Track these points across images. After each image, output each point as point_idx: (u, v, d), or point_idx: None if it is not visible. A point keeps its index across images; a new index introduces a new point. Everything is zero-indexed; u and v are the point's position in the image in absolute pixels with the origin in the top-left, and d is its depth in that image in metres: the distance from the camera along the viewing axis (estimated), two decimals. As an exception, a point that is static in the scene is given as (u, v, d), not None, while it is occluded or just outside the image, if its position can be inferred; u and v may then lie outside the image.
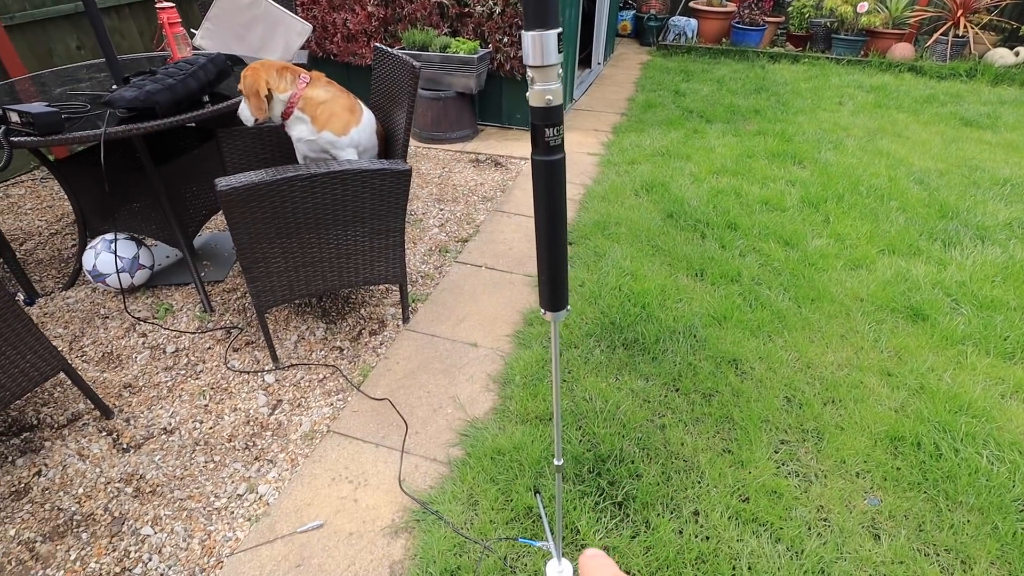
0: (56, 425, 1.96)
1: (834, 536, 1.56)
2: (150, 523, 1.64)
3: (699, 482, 1.71)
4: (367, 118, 2.19)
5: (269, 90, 2.02)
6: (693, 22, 6.91)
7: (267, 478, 1.77)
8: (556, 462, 1.00)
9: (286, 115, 2.11)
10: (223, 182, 1.70)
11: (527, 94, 0.72)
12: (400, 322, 2.42)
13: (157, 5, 2.35)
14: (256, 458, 1.84)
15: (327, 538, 1.59)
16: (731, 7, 6.91)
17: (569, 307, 0.94)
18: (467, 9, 4.01)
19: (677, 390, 2.04)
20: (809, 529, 1.59)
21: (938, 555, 1.53)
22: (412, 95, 2.02)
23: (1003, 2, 6.09)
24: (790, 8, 6.79)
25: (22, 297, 2.57)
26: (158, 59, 2.77)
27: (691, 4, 7.11)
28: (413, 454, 1.83)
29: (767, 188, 3.44)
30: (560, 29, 0.66)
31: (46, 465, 1.82)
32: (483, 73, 3.99)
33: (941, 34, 6.24)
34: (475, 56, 3.81)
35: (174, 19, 2.37)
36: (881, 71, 6.11)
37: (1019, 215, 3.20)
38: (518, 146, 4.14)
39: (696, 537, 1.56)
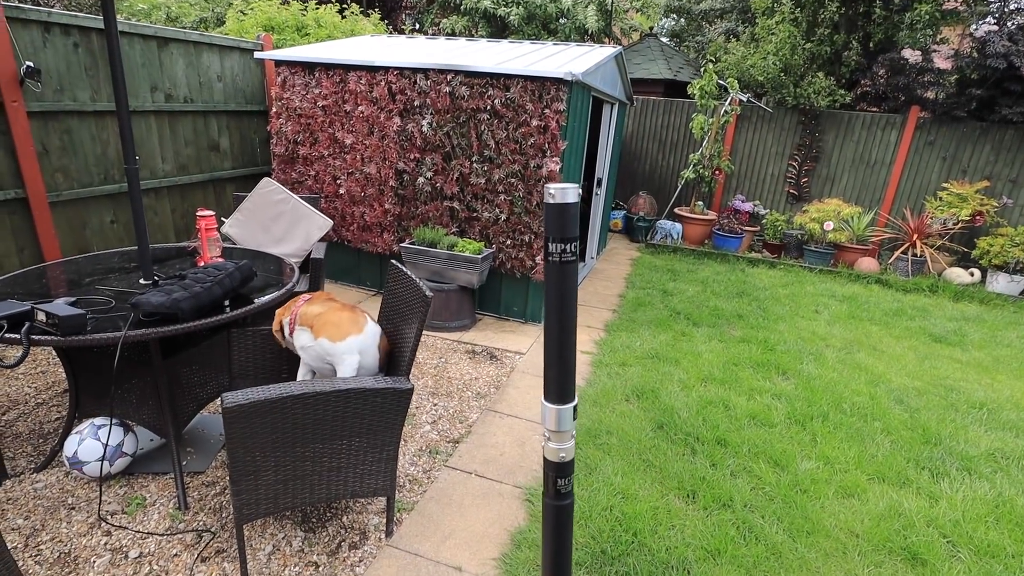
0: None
1: None
2: None
3: None
4: (370, 330, 2.33)
5: (281, 324, 2.37)
6: (678, 225, 7.66)
7: None
8: None
9: (291, 331, 2.33)
10: (229, 397, 1.75)
11: (543, 447, 0.80)
12: (383, 535, 2.30)
13: (199, 213, 2.61)
14: None
15: None
16: (712, 215, 7.71)
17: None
18: (475, 214, 4.46)
19: (672, 643, 1.89)
20: None
21: None
22: (422, 319, 2.17)
23: (952, 230, 6.85)
24: (764, 221, 7.59)
25: (-11, 477, 2.46)
26: (187, 252, 2.99)
27: (676, 210, 7.94)
28: None
29: (754, 401, 3.53)
30: (576, 402, 0.75)
31: None
32: (485, 271, 4.31)
33: (901, 252, 6.91)
34: (479, 256, 4.15)
35: (211, 226, 2.63)
36: (851, 281, 6.63)
37: (1000, 444, 3.26)
38: (513, 339, 4.31)
39: None
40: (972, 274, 6.67)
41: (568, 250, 0.73)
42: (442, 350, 4.05)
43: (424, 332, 4.31)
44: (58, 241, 3.86)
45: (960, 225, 6.81)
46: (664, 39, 13.73)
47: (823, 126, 7.60)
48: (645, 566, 2.18)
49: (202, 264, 2.57)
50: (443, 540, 2.30)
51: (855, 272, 6.79)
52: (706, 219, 7.61)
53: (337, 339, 2.28)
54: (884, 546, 2.40)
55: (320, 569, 2.13)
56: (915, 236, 6.90)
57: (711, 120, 7.43)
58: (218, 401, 2.94)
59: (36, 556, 2.10)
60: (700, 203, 7.80)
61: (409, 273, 2.41)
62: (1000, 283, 6.46)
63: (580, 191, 0.72)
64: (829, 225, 6.95)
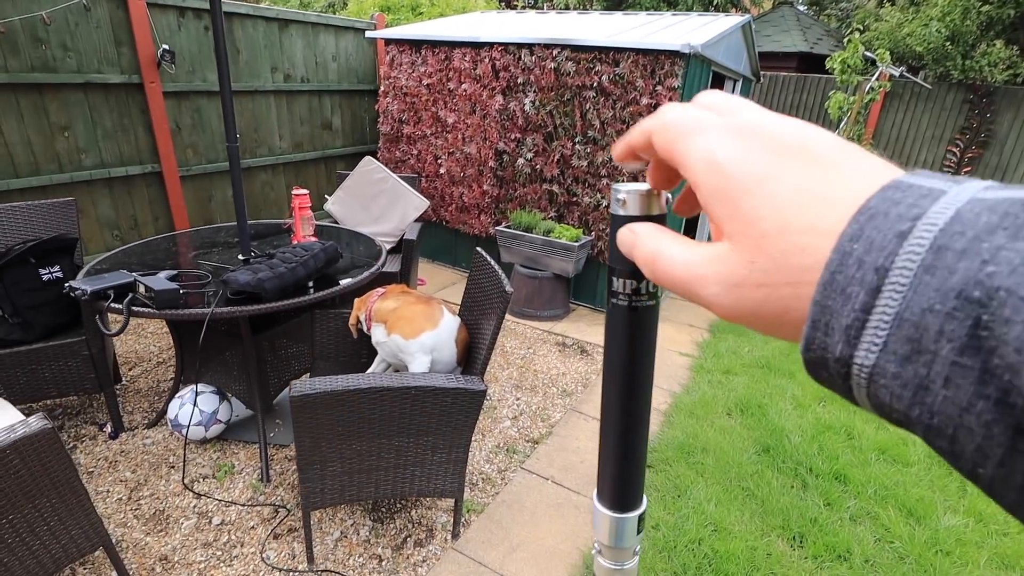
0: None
1: None
2: None
3: None
4: (446, 324, 2.21)
5: (358, 319, 2.34)
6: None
7: None
8: None
9: (368, 327, 2.31)
10: (296, 387, 1.70)
11: (593, 559, 0.59)
12: (449, 536, 2.21)
13: (294, 192, 2.63)
14: None
15: None
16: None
17: None
18: (575, 198, 4.22)
19: None
20: None
21: None
22: (501, 315, 2.01)
23: None
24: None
25: (109, 429, 2.70)
26: (283, 229, 3.05)
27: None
28: None
29: (885, 430, 3.01)
30: (644, 508, 0.54)
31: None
32: (582, 259, 4.07)
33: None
34: (576, 244, 3.92)
35: (304, 204, 2.64)
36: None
37: None
38: (607, 332, 4.05)
39: None
40: None
41: (643, 291, 0.42)
42: (531, 340, 3.90)
43: (514, 319, 4.18)
44: (187, 212, 4.18)
45: None
46: (801, 7, 12.34)
47: (997, 105, 6.38)
48: (736, 616, 1.89)
49: (294, 243, 2.60)
50: (510, 551, 2.16)
51: None
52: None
53: (410, 336, 2.20)
54: (1056, 640, 1.90)
55: (383, 563, 2.08)
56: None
57: (853, 98, 6.50)
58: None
59: (135, 511, 2.25)
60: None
61: (492, 262, 2.25)
62: None
63: (670, 197, 0.42)
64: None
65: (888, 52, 6.43)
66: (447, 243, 5.12)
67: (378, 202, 3.82)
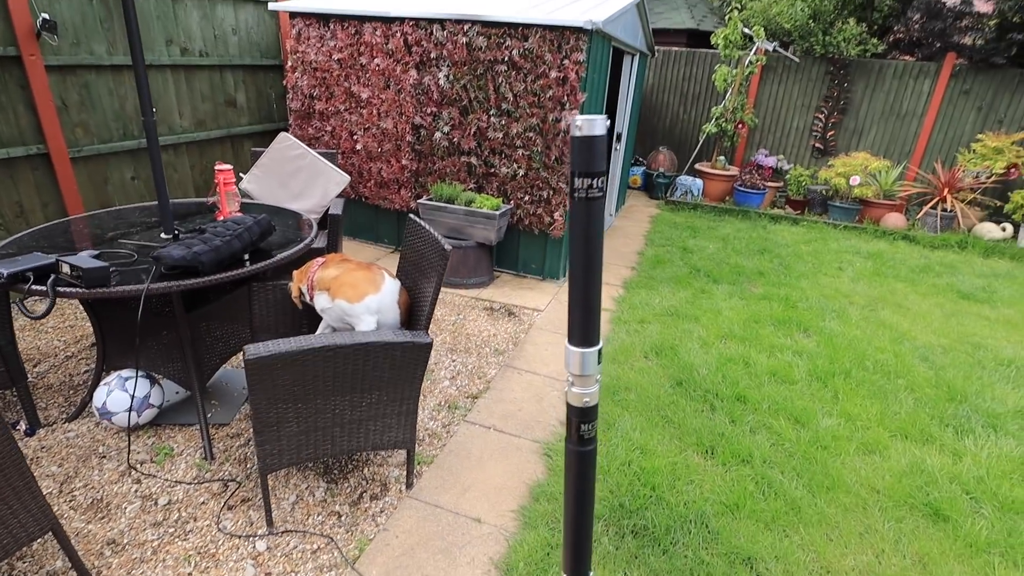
0: (28, 586, 1.85)
1: None
2: None
3: None
4: (388, 287, 2.31)
5: (300, 290, 2.39)
6: (699, 181, 7.47)
7: (244, 674, 1.62)
8: None
9: (311, 297, 2.36)
10: (251, 350, 1.75)
11: (566, 391, 0.77)
12: (403, 487, 2.35)
13: (217, 167, 2.58)
14: (235, 646, 1.70)
15: None
16: (734, 171, 7.50)
17: (592, 573, 0.92)
18: (493, 170, 4.37)
19: (690, 591, 1.92)
20: None
21: None
22: (441, 273, 2.14)
23: (984, 184, 6.59)
24: (787, 176, 7.37)
25: (23, 427, 2.54)
26: (207, 207, 2.97)
27: (697, 166, 7.73)
28: (405, 656, 1.69)
29: (775, 358, 3.49)
30: (601, 345, 0.73)
31: (8, 636, 1.68)
32: (503, 227, 4.26)
33: (930, 207, 6.69)
34: (497, 212, 4.09)
35: (229, 179, 2.60)
36: (876, 238, 6.46)
37: (1029, 403, 3.20)
38: (531, 295, 4.29)
39: None
40: (1004, 229, 6.46)
41: (595, 185, 0.68)
42: (460, 307, 4.05)
43: (442, 289, 4.30)
44: (81, 197, 3.87)
45: (993, 179, 6.54)
46: (687, -14, 13.07)
47: (852, 76, 7.26)
48: (663, 520, 2.20)
49: (221, 219, 2.56)
50: (462, 492, 2.34)
51: (881, 228, 6.61)
52: (728, 175, 7.41)
53: (355, 300, 2.28)
54: (905, 502, 2.39)
55: (342, 518, 2.18)
56: (945, 190, 6.66)
57: (735, 71, 7.13)
58: (241, 356, 2.99)
59: (70, 502, 2.18)
60: (722, 158, 7.58)
61: (427, 227, 2.37)
62: (1034, 240, 6.24)
63: (608, 123, 0.66)
64: (855, 180, 6.72)
65: (763, 28, 7.09)
66: (368, 220, 5.11)
67: (297, 179, 3.76)
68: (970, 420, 2.99)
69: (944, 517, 2.31)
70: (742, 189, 7.22)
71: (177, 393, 2.81)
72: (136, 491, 2.25)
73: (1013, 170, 6.43)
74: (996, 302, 4.75)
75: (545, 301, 4.21)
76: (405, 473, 2.39)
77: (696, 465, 2.53)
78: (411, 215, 2.55)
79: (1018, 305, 4.70)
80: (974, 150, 6.73)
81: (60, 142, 3.64)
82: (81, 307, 3.70)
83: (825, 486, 2.44)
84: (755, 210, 7.09)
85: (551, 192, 4.22)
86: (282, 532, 2.10)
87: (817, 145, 7.62)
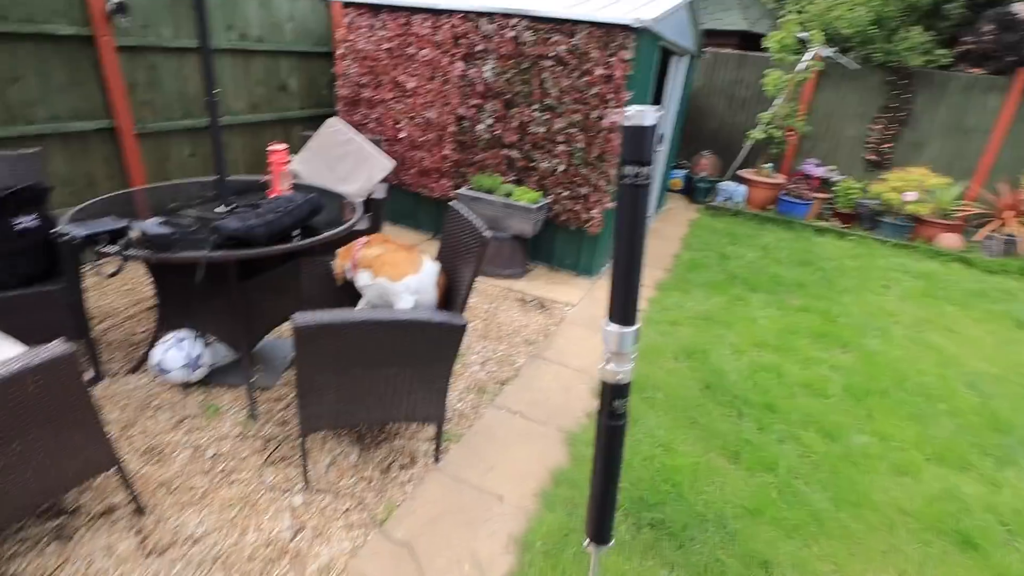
0: (92, 515, 2.02)
1: None
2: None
3: None
4: (428, 269, 2.40)
5: (343, 268, 2.52)
6: (742, 188, 7.34)
7: (275, 617, 1.74)
8: None
9: (354, 271, 2.47)
10: (300, 318, 1.86)
11: (599, 369, 0.82)
12: (431, 460, 2.44)
13: (270, 147, 2.71)
14: (268, 589, 1.82)
15: None
16: (780, 179, 7.33)
17: (612, 541, 0.97)
18: (533, 163, 4.43)
19: (703, 587, 1.95)
20: None
21: None
22: (479, 259, 2.22)
23: (1051, 209, 6.26)
24: (836, 188, 7.16)
25: (91, 375, 2.74)
26: (259, 184, 3.12)
27: (741, 172, 7.59)
28: (423, 617, 1.78)
29: (809, 370, 3.44)
30: (639, 325, 0.77)
31: (72, 558, 1.85)
32: (540, 220, 4.31)
33: (990, 230, 6.39)
34: (535, 206, 4.14)
35: (283, 160, 2.73)
36: (928, 257, 6.22)
37: (1078, 437, 3.06)
38: (564, 290, 4.33)
39: None
40: (1069, 258, 6.12)
41: (642, 174, 0.73)
42: (493, 296, 4.13)
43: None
44: (144, 170, 4.11)
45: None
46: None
47: (914, 87, 6.98)
48: (682, 516, 2.22)
49: (273, 196, 2.69)
50: (487, 471, 2.41)
51: (934, 248, 6.36)
52: (773, 183, 7.26)
53: (396, 279, 2.37)
54: (935, 526, 2.34)
55: (372, 483, 2.28)
56: (1008, 212, 6.36)
57: (787, 76, 6.96)
58: (286, 325, 3.13)
59: (129, 444, 2.36)
60: (768, 165, 7.42)
61: (466, 214, 2.44)
62: (1100, 269, 5.90)
63: (659, 114, 0.71)
64: (911, 195, 6.48)
65: (821, 33, 6.90)
66: (409, 207, 5.24)
67: (344, 163, 3.90)
68: (1014, 452, 2.88)
69: (974, 545, 2.26)
70: (787, 198, 7.06)
71: (225, 355, 2.97)
72: (187, 441, 2.42)
73: (1082, 194, 6.09)
74: (1053, 331, 4.53)
75: (578, 296, 4.24)
76: (433, 448, 2.48)
77: (719, 468, 2.54)
78: (451, 203, 2.63)
79: (1076, 335, 4.47)
80: (1042, 171, 6.40)
81: (127, 119, 3.87)
82: (141, 272, 3.93)
83: (851, 502, 2.42)
84: (799, 220, 6.92)
85: (590, 189, 4.25)
86: (316, 491, 2.22)
87: (871, 157, 7.36)
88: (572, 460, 2.51)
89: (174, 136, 4.29)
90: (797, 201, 7.00)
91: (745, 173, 7.52)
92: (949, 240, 6.42)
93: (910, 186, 6.54)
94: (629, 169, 0.72)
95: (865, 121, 7.35)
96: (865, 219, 6.94)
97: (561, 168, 4.32)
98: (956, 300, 5.00)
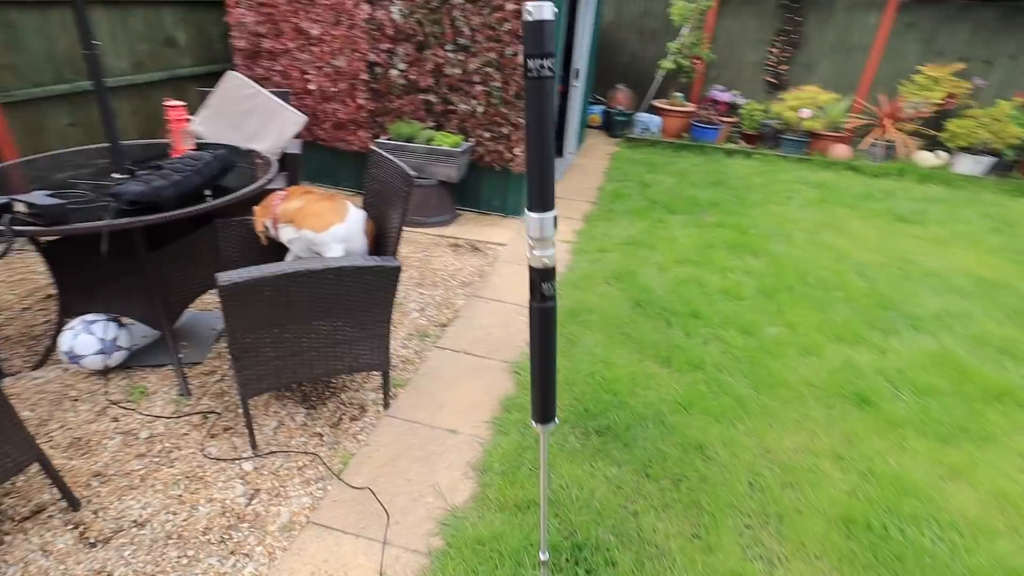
0: (18, 518, 1.90)
1: (799, 626, 1.64)
2: (120, 622, 1.60)
3: (671, 568, 1.78)
4: (354, 217, 2.36)
5: (264, 225, 2.41)
6: (657, 119, 7.54)
7: (243, 573, 1.76)
8: (542, 556, 1.10)
9: (275, 228, 2.38)
10: (223, 277, 1.80)
11: (528, 255, 0.87)
12: (381, 408, 2.47)
13: (166, 103, 2.51)
14: (232, 552, 1.82)
15: (305, 636, 1.58)
16: (691, 107, 7.59)
17: (557, 420, 1.06)
18: (451, 107, 4.34)
19: (648, 476, 2.14)
20: (775, 619, 1.66)
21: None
22: (406, 200, 2.20)
23: (924, 114, 6.89)
24: (742, 111, 7.51)
25: (-11, 375, 2.53)
26: (155, 147, 2.90)
27: (655, 103, 7.78)
28: (394, 545, 1.86)
29: (726, 278, 3.71)
30: (557, 212, 0.82)
31: (6, 562, 1.75)
32: (464, 165, 4.27)
33: (873, 138, 6.97)
34: (458, 149, 4.10)
35: (181, 116, 2.54)
36: (824, 168, 6.73)
37: (946, 306, 3.53)
38: (494, 231, 4.37)
39: (670, 629, 1.61)
40: (939, 157, 6.81)
41: (546, 66, 0.77)
42: (425, 244, 4.11)
43: (405, 228, 4.33)
44: (15, 147, 3.68)
45: (932, 108, 6.83)
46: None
47: (805, 10, 7.34)
48: (624, 419, 2.40)
49: (176, 156, 2.51)
50: (438, 409, 2.48)
51: (828, 159, 6.87)
52: (685, 111, 7.50)
53: (320, 229, 2.31)
54: (836, 392, 2.66)
55: (324, 438, 2.30)
56: (887, 121, 6.93)
57: (691, 6, 7.11)
58: (204, 298, 2.99)
59: (49, 442, 2.21)
60: (679, 94, 7.64)
61: (390, 157, 2.40)
62: (965, 164, 6.63)
63: (555, 9, 0.74)
64: (805, 112, 6.92)
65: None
66: (326, 164, 5.02)
67: (250, 120, 3.66)
68: (896, 323, 3.29)
69: (868, 402, 2.60)
70: (698, 125, 7.34)
71: (144, 337, 2.82)
72: (115, 428, 2.30)
73: (950, 100, 6.73)
74: (927, 223, 5.09)
75: (508, 236, 4.30)
76: (382, 395, 2.51)
77: (654, 373, 2.74)
78: (373, 147, 2.57)
79: (945, 225, 5.06)
80: (915, 81, 6.98)
81: (-13, 86, 3.43)
82: (31, 258, 3.59)
83: (768, 384, 2.69)
84: (711, 145, 7.24)
85: (511, 128, 4.24)
86: (267, 453, 2.20)
87: (770, 80, 7.74)
88: (519, 387, 2.62)
89: (48, 104, 3.84)
90: (707, 127, 7.29)
91: (659, 103, 7.72)
92: (840, 151, 6.94)
93: (805, 104, 6.97)
94: (533, 63, 0.75)
95: (764, 45, 7.68)
96: (769, 138, 7.36)
97: (480, 109, 4.27)
98: (847, 203, 5.48)
